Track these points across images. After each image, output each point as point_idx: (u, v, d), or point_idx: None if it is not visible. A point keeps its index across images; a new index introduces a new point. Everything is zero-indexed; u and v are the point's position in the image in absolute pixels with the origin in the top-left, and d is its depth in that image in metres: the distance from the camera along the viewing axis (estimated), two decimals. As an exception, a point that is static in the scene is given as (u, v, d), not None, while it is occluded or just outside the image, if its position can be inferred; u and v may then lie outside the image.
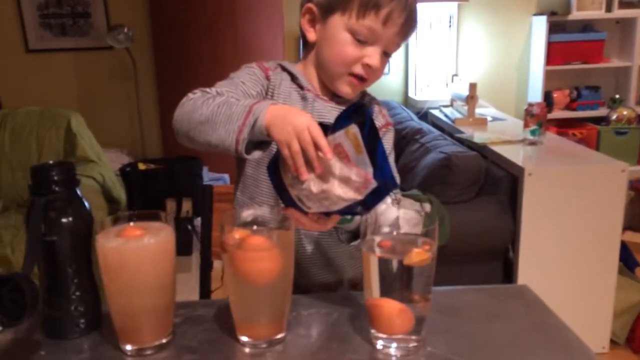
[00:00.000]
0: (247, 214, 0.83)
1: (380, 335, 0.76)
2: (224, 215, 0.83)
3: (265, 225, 0.82)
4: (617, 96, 3.69)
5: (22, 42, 3.58)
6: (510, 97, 3.85)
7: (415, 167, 2.49)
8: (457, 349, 0.76)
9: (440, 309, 0.84)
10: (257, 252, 0.74)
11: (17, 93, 3.59)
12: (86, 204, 0.82)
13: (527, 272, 2.17)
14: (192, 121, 0.88)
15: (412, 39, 3.48)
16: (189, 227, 2.90)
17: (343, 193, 0.76)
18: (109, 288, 0.75)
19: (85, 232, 0.81)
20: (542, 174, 2.12)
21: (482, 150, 2.44)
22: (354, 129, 0.76)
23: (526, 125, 2.46)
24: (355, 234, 0.97)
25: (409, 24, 0.97)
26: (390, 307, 0.74)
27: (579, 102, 3.72)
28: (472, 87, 3.02)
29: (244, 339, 0.78)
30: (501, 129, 2.82)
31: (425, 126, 2.93)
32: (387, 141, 1.08)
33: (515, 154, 2.31)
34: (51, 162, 0.81)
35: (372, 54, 0.96)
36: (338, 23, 0.97)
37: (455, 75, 3.73)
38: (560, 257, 2.17)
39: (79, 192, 0.82)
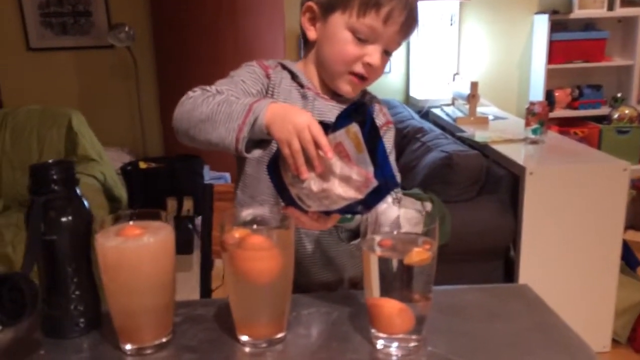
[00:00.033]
0: (247, 213, 0.83)
1: (381, 334, 0.75)
2: (224, 215, 0.82)
3: (265, 225, 0.81)
4: (619, 95, 3.68)
5: (23, 41, 3.58)
6: (512, 95, 3.85)
7: (416, 166, 2.49)
8: (457, 348, 0.76)
9: (441, 308, 0.84)
10: (257, 251, 0.74)
11: (18, 92, 3.60)
12: (86, 203, 0.82)
13: (528, 271, 2.16)
14: (192, 119, 0.87)
15: (413, 38, 3.47)
16: (190, 225, 2.90)
17: (343, 192, 0.76)
18: (108, 287, 0.75)
19: (85, 231, 0.81)
20: (544, 173, 2.11)
21: (484, 149, 2.43)
22: (354, 127, 0.75)
23: (527, 124, 2.45)
24: (356, 233, 0.97)
25: (409, 23, 0.97)
26: (391, 307, 0.73)
27: (580, 101, 3.72)
28: (474, 85, 3.02)
29: (244, 338, 0.77)
30: (502, 128, 2.82)
31: (426, 125, 2.93)
32: (388, 140, 1.08)
33: (516, 153, 2.31)
34: (50, 161, 0.81)
35: (372, 53, 0.96)
36: (338, 21, 0.96)
37: (457, 73, 3.73)
38: (561, 256, 2.17)
39: (78, 191, 0.82)
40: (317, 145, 0.76)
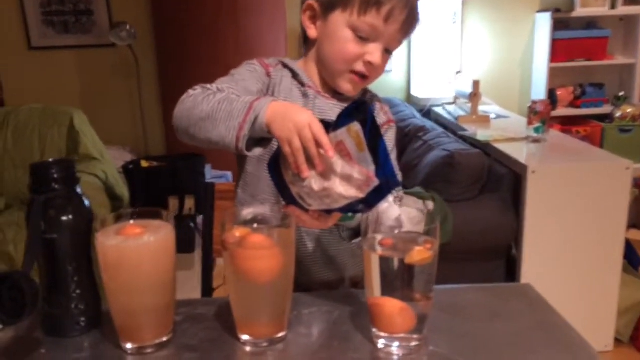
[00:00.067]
0: (248, 212, 0.82)
1: (382, 334, 0.75)
2: (225, 214, 0.82)
3: (266, 224, 0.81)
4: (622, 93, 3.67)
5: (25, 40, 3.59)
6: (514, 94, 3.84)
7: (418, 164, 2.48)
8: (459, 348, 0.75)
9: (443, 307, 0.84)
10: (258, 250, 0.74)
11: (19, 91, 3.60)
12: (86, 201, 0.82)
13: (531, 270, 2.16)
14: (192, 118, 0.87)
15: (415, 36, 3.46)
16: (192, 224, 2.90)
17: (344, 191, 0.76)
18: (108, 286, 0.75)
19: (85, 230, 0.81)
20: (546, 171, 2.11)
21: (486, 148, 2.43)
22: (356, 126, 0.75)
23: (530, 123, 2.45)
24: (357, 232, 0.96)
25: (410, 21, 0.96)
26: (392, 306, 0.73)
27: (583, 100, 3.71)
28: (476, 84, 3.01)
29: (245, 337, 0.77)
30: (504, 127, 2.81)
31: (428, 124, 2.92)
32: (389, 139, 1.07)
33: (518, 152, 2.30)
34: (51, 160, 0.81)
35: (373, 51, 0.96)
36: (339, 20, 0.96)
37: (459, 72, 3.72)
38: (563, 255, 2.16)
39: (79, 190, 0.81)
40: (318, 144, 0.76)
